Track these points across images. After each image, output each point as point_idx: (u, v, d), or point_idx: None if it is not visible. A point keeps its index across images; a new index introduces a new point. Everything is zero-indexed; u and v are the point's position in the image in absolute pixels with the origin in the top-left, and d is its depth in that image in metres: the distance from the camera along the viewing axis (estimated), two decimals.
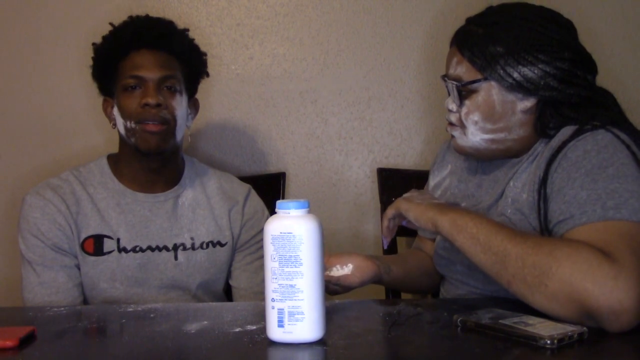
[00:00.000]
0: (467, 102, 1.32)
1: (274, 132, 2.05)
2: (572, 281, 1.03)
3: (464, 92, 1.32)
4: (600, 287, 1.02)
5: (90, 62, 1.64)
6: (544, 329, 1.00)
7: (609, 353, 1.02)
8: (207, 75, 1.74)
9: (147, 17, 1.65)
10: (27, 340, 1.07)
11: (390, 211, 1.35)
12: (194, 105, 1.71)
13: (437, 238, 1.49)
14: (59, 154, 2.01)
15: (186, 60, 1.63)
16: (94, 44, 1.63)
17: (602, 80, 1.36)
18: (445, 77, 1.38)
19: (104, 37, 1.62)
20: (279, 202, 1.03)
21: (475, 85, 1.30)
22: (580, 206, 1.14)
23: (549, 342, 0.97)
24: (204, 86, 2.03)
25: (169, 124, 1.55)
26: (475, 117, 1.32)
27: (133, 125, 1.54)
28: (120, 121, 1.57)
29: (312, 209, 1.05)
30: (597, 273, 1.02)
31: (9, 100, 2.03)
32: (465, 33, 1.35)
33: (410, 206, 1.30)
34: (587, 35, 1.40)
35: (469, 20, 1.37)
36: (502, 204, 1.33)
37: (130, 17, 1.63)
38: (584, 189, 1.16)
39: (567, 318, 1.05)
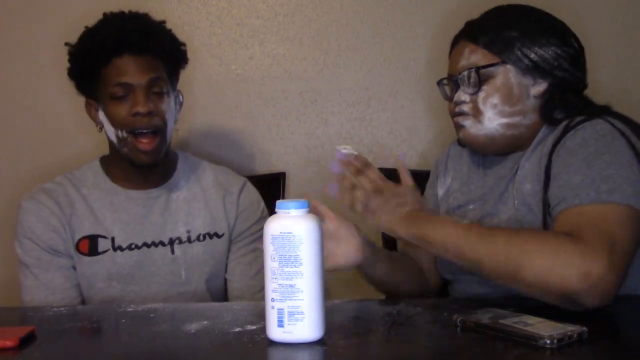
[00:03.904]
0: (485, 87, 1.34)
1: (274, 132, 2.05)
2: (544, 270, 1.09)
3: (482, 77, 1.34)
4: (569, 268, 1.07)
5: None
6: (543, 329, 1.00)
7: (609, 353, 1.02)
8: (187, 62, 1.66)
9: (122, 15, 1.57)
10: (27, 340, 1.07)
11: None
12: (177, 98, 1.64)
13: None
14: (58, 156, 2.01)
15: (168, 57, 1.58)
16: (67, 43, 1.57)
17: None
18: (449, 76, 1.40)
19: (80, 40, 1.56)
20: (279, 202, 1.03)
21: (492, 69, 1.33)
22: (573, 190, 1.18)
23: (548, 342, 0.97)
24: (204, 86, 2.04)
25: (162, 132, 1.54)
26: (495, 99, 1.33)
27: (125, 135, 1.52)
28: (110, 129, 1.55)
29: (312, 209, 1.05)
30: (564, 256, 1.08)
31: (8, 103, 2.03)
32: (475, 26, 1.38)
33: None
34: (585, 33, 1.41)
35: (471, 22, 1.40)
36: (507, 198, 1.35)
37: (105, 16, 1.57)
38: (579, 173, 1.19)
39: (554, 302, 1.11)
